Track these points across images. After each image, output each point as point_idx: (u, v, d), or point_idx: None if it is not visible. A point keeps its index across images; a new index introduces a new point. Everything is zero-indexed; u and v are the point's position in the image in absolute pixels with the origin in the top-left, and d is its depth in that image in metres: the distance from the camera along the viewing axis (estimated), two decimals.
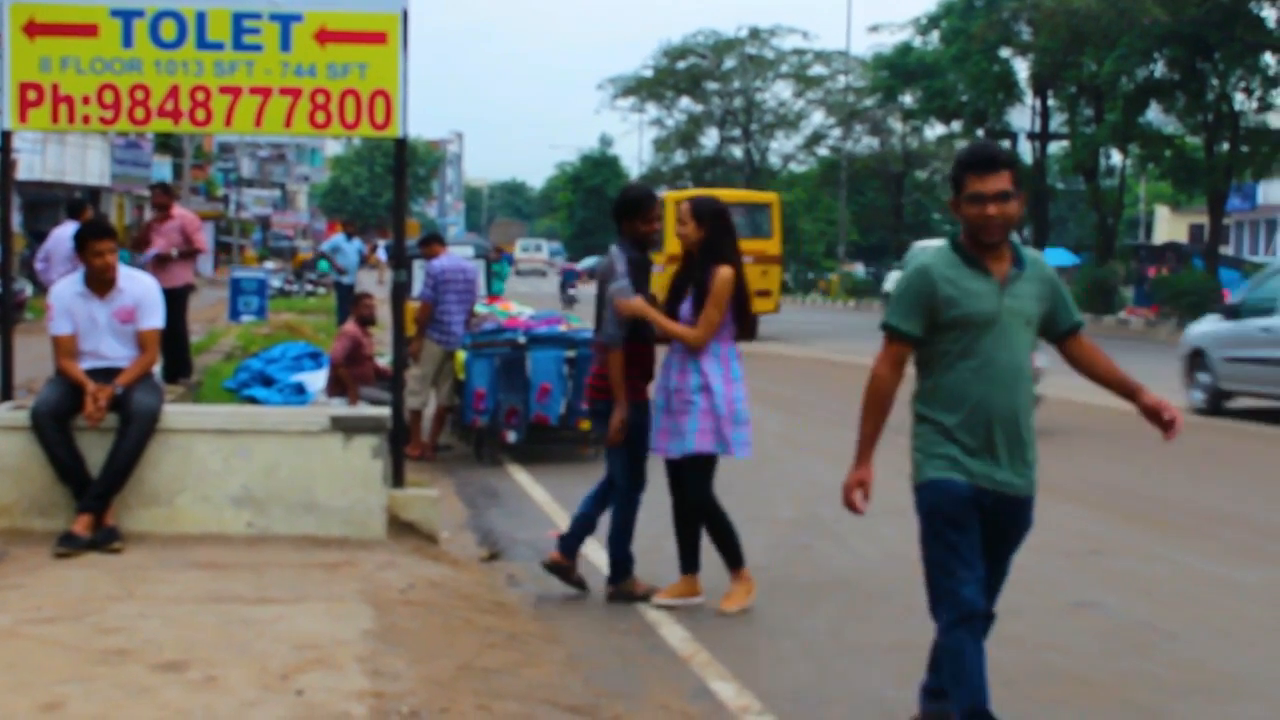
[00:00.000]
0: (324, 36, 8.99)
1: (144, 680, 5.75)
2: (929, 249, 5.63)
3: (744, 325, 8.00)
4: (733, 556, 8.05)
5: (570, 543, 8.41)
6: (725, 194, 31.47)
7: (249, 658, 6.10)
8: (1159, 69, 41.62)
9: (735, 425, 7.88)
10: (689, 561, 8.15)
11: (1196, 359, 19.07)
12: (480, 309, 14.64)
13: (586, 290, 53.33)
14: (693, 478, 8.00)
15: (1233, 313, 18.85)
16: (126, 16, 8.83)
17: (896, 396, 5.51)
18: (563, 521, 10.33)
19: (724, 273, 7.76)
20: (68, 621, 6.62)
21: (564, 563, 8.36)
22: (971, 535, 5.35)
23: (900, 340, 5.44)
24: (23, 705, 5.37)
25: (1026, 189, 49.97)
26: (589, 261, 77.86)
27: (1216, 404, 18.60)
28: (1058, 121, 50.48)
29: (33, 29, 8.80)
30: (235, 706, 5.48)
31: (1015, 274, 5.37)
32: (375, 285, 40.29)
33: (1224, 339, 18.58)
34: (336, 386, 13.57)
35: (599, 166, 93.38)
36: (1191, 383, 19.05)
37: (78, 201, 16.34)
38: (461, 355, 13.59)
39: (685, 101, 77.31)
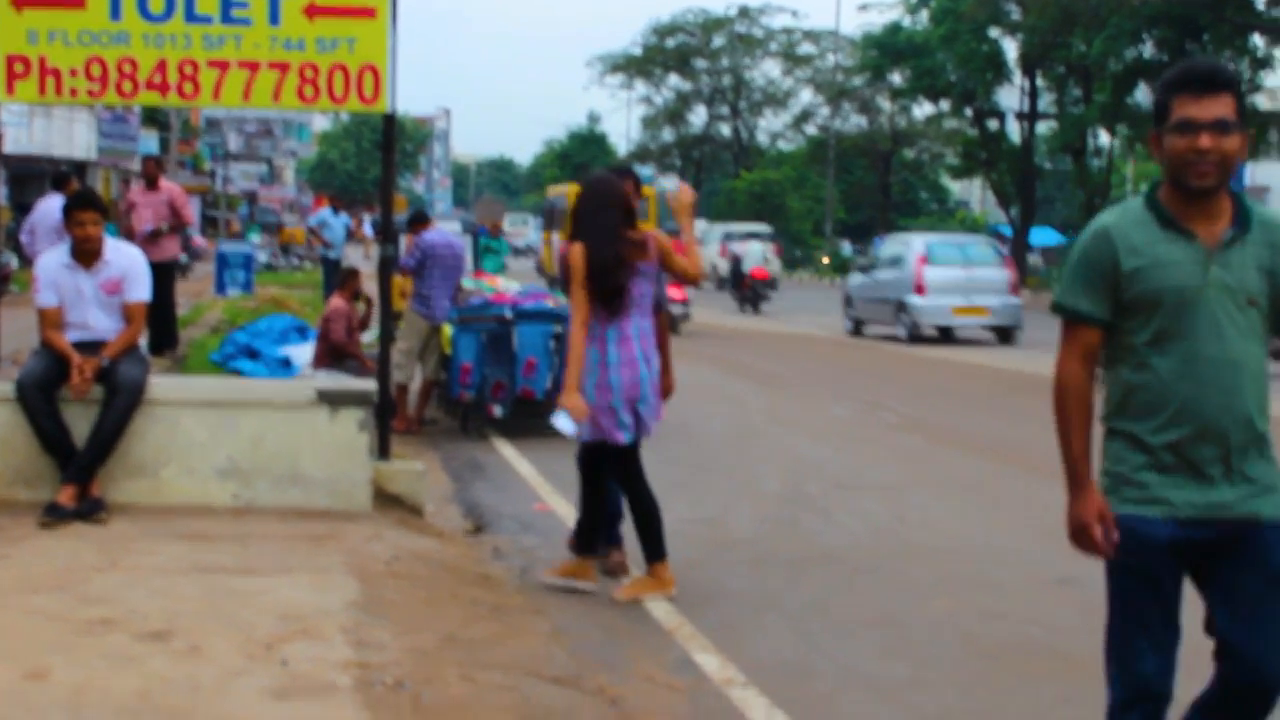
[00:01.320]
0: (313, 10, 8.95)
1: (128, 650, 5.76)
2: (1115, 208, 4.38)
3: (599, 298, 7.50)
4: (648, 547, 7.76)
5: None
6: None
7: (234, 628, 6.11)
8: (1148, 49, 41.67)
9: (607, 412, 7.51)
10: (610, 536, 8.06)
11: (847, 300, 29.23)
12: (467, 284, 14.66)
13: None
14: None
15: (865, 269, 29.02)
16: None
17: (1092, 403, 4.28)
18: (548, 496, 10.37)
19: (571, 250, 7.49)
20: (52, 591, 6.62)
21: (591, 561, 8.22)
22: (1165, 595, 4.17)
23: (1081, 324, 4.22)
24: (6, 675, 5.38)
25: (1014, 168, 50.21)
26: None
27: (858, 329, 28.55)
28: (1046, 101, 50.57)
29: (20, 1, 8.77)
30: (220, 676, 5.49)
31: (1232, 236, 4.12)
32: (361, 260, 40.29)
33: (860, 286, 28.55)
34: (323, 360, 13.56)
35: (587, 144, 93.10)
36: (845, 315, 29.21)
37: (62, 174, 16.32)
38: (448, 330, 13.61)
39: (674, 79, 77.44)
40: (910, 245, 27.29)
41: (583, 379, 7.52)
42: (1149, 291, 4.10)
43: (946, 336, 26.83)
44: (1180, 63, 4.38)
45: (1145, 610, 4.20)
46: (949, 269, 26.04)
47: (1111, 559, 4.20)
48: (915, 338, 26.06)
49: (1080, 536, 4.20)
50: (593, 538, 7.93)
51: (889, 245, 29.05)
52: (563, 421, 7.56)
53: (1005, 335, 26.30)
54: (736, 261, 36.47)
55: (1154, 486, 4.13)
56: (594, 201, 7.64)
